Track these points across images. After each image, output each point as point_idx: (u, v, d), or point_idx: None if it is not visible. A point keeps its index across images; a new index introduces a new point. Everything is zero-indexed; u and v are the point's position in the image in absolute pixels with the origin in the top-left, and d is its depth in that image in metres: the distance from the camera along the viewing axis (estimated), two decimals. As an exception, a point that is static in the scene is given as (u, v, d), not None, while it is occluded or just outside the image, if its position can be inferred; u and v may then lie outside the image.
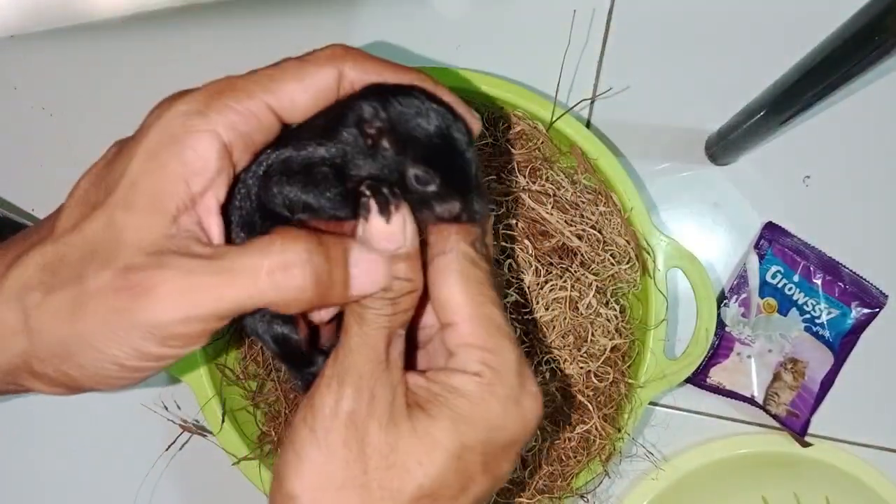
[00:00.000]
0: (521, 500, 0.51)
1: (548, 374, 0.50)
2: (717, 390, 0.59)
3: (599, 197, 0.52)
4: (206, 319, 0.28)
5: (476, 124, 0.34)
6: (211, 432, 0.51)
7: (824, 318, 0.59)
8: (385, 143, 0.31)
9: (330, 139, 0.31)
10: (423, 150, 0.31)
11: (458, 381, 0.31)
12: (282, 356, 0.35)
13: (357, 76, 0.32)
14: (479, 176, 0.32)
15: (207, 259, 0.29)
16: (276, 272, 0.28)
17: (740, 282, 0.59)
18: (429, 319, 0.35)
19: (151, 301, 0.28)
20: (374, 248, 0.30)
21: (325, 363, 0.32)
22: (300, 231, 0.30)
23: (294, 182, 0.31)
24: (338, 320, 0.35)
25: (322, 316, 0.35)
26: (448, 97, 0.34)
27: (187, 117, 0.30)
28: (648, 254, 0.51)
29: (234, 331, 0.53)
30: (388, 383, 0.31)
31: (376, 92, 0.32)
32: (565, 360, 0.50)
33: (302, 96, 0.32)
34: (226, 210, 0.31)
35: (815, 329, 0.59)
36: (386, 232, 0.30)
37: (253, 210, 0.32)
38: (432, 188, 0.31)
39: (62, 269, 0.30)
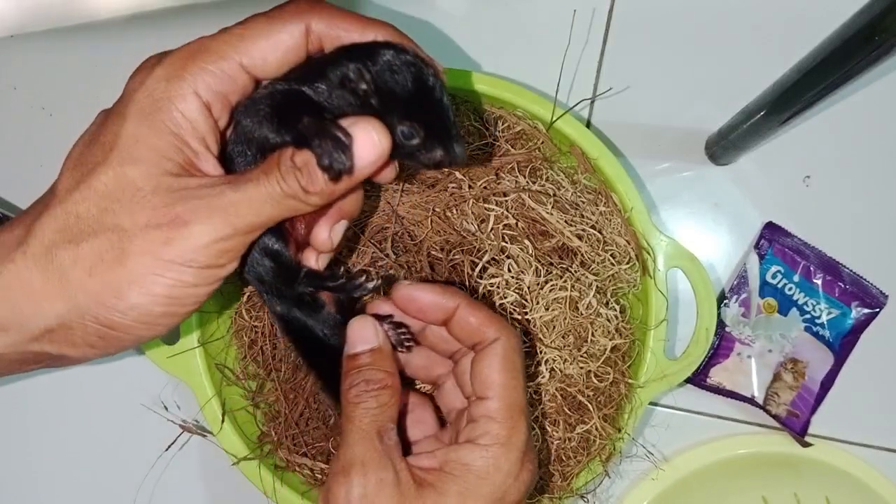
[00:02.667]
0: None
1: (548, 374, 0.50)
2: (718, 390, 0.59)
3: (599, 197, 0.52)
4: (240, 233, 0.32)
5: (440, 68, 0.36)
6: (211, 432, 0.51)
7: (824, 318, 0.59)
8: (373, 102, 0.34)
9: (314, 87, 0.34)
10: (405, 106, 0.34)
11: (468, 456, 0.35)
12: (273, 269, 0.38)
13: (324, 30, 0.34)
14: (456, 122, 0.36)
15: (227, 184, 0.32)
16: (287, 175, 0.32)
17: (740, 282, 0.59)
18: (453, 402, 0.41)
19: (193, 227, 0.31)
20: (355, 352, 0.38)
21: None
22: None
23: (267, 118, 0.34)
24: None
25: (302, 233, 0.38)
26: (412, 46, 0.35)
27: (168, 82, 0.32)
28: (648, 254, 0.51)
29: (233, 325, 0.53)
30: (390, 467, 0.34)
31: (354, 53, 0.34)
32: (565, 360, 0.50)
33: (273, 54, 0.33)
34: (223, 162, 0.35)
35: (815, 329, 0.59)
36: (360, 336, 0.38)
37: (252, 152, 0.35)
38: (416, 141, 0.35)
39: (81, 224, 0.31)
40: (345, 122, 0.32)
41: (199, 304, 0.34)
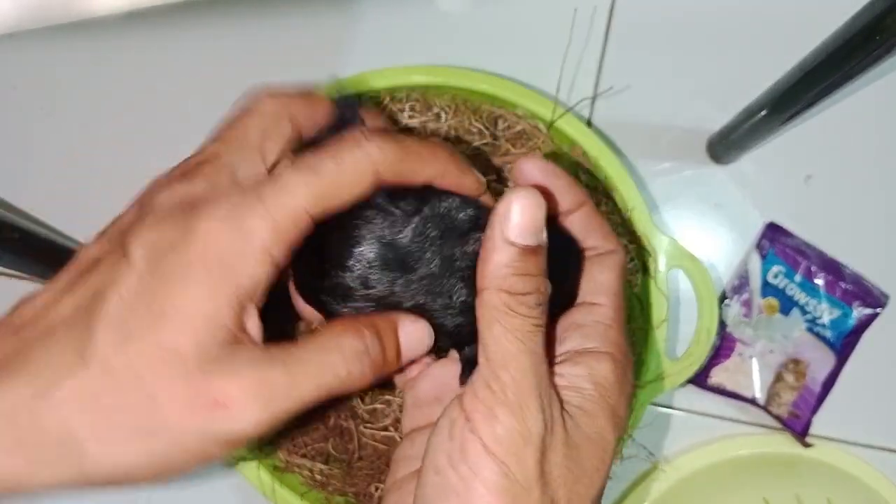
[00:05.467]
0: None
1: (548, 375, 0.50)
2: (719, 391, 0.59)
3: (600, 197, 0.52)
4: (277, 418, 0.29)
5: (475, 186, 0.35)
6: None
7: (826, 318, 0.59)
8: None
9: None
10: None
11: (600, 366, 0.32)
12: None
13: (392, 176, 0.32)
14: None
15: (269, 362, 0.29)
16: (339, 367, 0.30)
17: (742, 282, 0.59)
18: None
19: (233, 412, 0.28)
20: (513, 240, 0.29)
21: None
22: (353, 322, 0.31)
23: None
24: None
25: None
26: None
27: (244, 241, 0.28)
28: (649, 254, 0.51)
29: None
30: (554, 396, 0.31)
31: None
32: (565, 360, 0.50)
33: (340, 204, 0.31)
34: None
35: (816, 329, 0.59)
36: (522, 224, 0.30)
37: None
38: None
39: (109, 396, 0.28)
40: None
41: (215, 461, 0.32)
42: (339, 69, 0.63)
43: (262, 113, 0.34)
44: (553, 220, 0.36)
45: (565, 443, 0.30)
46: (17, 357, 0.28)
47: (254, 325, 0.30)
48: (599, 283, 0.34)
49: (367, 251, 0.31)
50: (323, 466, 0.51)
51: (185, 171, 0.32)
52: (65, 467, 0.28)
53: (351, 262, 0.31)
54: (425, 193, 0.32)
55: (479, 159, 0.51)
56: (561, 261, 0.33)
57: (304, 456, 0.51)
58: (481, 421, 0.29)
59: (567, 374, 0.32)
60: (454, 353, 0.37)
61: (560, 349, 0.34)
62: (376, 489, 0.50)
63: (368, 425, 0.51)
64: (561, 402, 0.31)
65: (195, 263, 0.28)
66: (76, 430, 0.28)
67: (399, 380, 0.40)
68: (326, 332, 0.31)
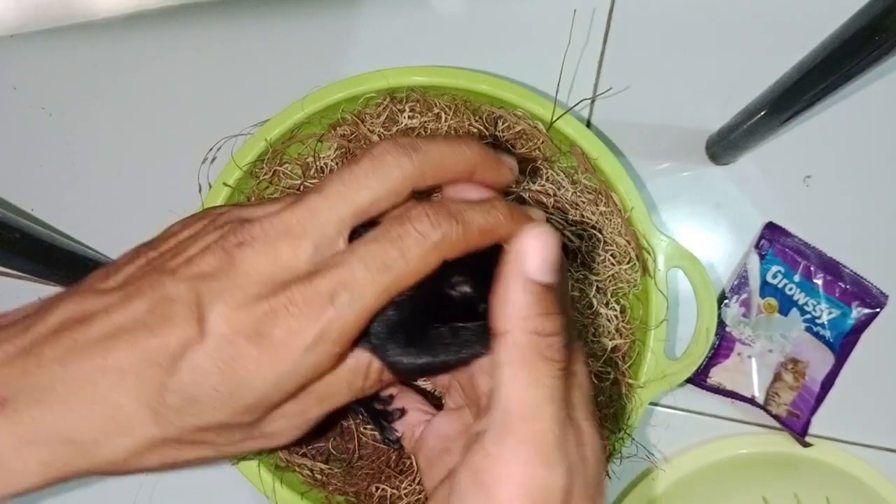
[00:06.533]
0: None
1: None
2: (718, 390, 0.59)
3: (600, 197, 0.52)
4: (305, 431, 0.33)
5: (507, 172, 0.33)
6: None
7: (825, 318, 0.59)
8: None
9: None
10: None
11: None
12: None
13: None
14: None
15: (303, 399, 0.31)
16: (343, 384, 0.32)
17: (741, 282, 0.59)
18: None
19: (274, 440, 0.32)
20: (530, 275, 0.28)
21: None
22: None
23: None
24: None
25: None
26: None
27: (321, 360, 0.29)
28: (649, 254, 0.51)
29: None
30: (571, 434, 0.29)
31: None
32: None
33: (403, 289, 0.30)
34: None
35: (815, 329, 0.59)
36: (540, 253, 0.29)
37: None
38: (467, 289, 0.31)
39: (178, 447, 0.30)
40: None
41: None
42: (340, 70, 0.63)
43: (383, 177, 0.30)
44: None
45: (584, 486, 0.29)
46: (85, 387, 0.29)
47: None
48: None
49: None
50: (323, 466, 0.51)
51: (279, 233, 0.30)
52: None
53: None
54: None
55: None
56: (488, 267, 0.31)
57: (304, 455, 0.51)
58: (497, 480, 0.27)
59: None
60: (451, 401, 0.38)
61: None
62: (377, 489, 0.50)
63: (369, 425, 0.51)
64: (577, 434, 0.29)
65: (264, 366, 0.28)
66: (153, 467, 0.30)
67: (408, 444, 0.41)
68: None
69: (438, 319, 0.31)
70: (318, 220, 0.29)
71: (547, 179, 0.52)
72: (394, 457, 0.50)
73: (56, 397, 0.28)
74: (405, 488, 0.49)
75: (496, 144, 0.52)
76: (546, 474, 0.27)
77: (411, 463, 0.50)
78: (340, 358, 0.30)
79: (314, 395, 0.31)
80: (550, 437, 0.27)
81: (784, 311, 0.59)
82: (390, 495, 0.50)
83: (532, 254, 0.28)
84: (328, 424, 0.52)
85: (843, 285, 0.59)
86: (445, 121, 0.52)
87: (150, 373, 0.28)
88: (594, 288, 0.50)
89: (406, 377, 0.34)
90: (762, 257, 0.59)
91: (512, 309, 0.28)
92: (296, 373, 0.28)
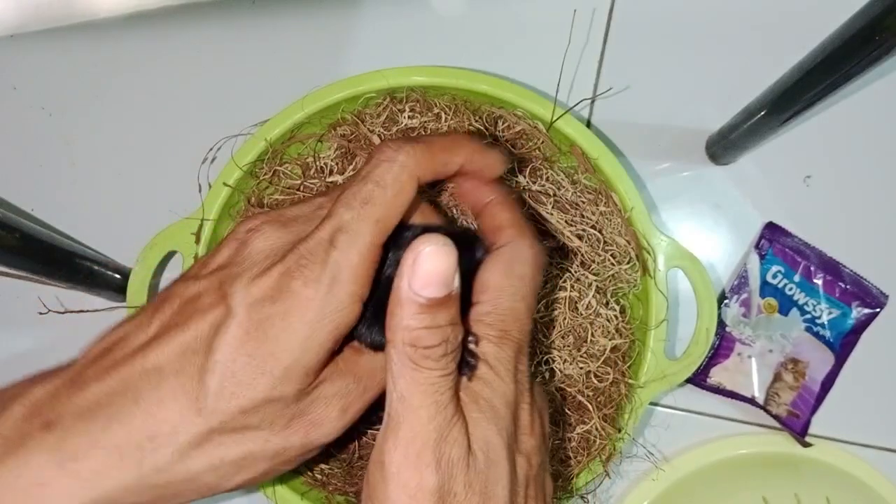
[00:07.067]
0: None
1: (548, 375, 0.50)
2: (718, 390, 0.59)
3: (600, 197, 0.52)
4: (353, 419, 0.34)
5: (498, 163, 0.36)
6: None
7: (825, 318, 0.59)
8: None
9: None
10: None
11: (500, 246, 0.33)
12: None
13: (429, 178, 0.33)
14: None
15: (345, 377, 0.33)
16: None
17: (741, 282, 0.59)
18: None
19: (323, 427, 0.33)
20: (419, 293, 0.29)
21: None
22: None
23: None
24: None
25: None
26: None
27: (344, 305, 0.30)
28: (649, 254, 0.51)
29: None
30: (458, 437, 0.30)
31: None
32: (565, 360, 0.50)
33: (395, 222, 0.32)
34: None
35: (815, 329, 0.59)
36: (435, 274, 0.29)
37: None
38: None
39: (225, 443, 0.31)
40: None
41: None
42: (340, 69, 0.63)
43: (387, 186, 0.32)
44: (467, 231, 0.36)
45: (467, 483, 0.29)
46: (126, 394, 0.30)
47: (342, 349, 0.33)
48: (480, 281, 0.33)
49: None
50: (324, 466, 0.51)
51: (285, 220, 0.34)
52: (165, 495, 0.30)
53: None
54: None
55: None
56: (468, 262, 0.33)
57: (304, 455, 0.51)
58: (384, 478, 0.29)
59: (463, 389, 0.31)
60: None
61: None
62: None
63: (369, 424, 0.51)
64: (468, 432, 0.30)
65: (292, 317, 0.30)
66: (200, 477, 0.30)
67: None
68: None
69: None
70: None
71: (547, 179, 0.52)
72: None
73: (100, 410, 0.29)
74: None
75: (496, 144, 0.52)
76: (422, 475, 0.29)
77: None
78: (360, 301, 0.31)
79: (352, 375, 0.33)
80: (424, 440, 0.29)
81: (784, 311, 0.59)
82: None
83: (420, 267, 0.28)
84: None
85: (843, 285, 0.59)
86: (445, 120, 0.52)
87: (188, 362, 0.29)
88: (594, 288, 0.50)
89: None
90: (762, 257, 0.59)
91: (394, 322, 0.29)
92: (322, 319, 0.30)
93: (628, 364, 0.51)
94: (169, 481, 0.30)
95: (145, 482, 0.29)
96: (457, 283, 0.29)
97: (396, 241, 0.33)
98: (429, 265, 0.28)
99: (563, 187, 0.52)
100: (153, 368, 0.29)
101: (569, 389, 0.50)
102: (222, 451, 0.30)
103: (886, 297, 0.59)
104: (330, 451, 0.52)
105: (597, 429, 0.50)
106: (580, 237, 0.51)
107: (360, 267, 0.30)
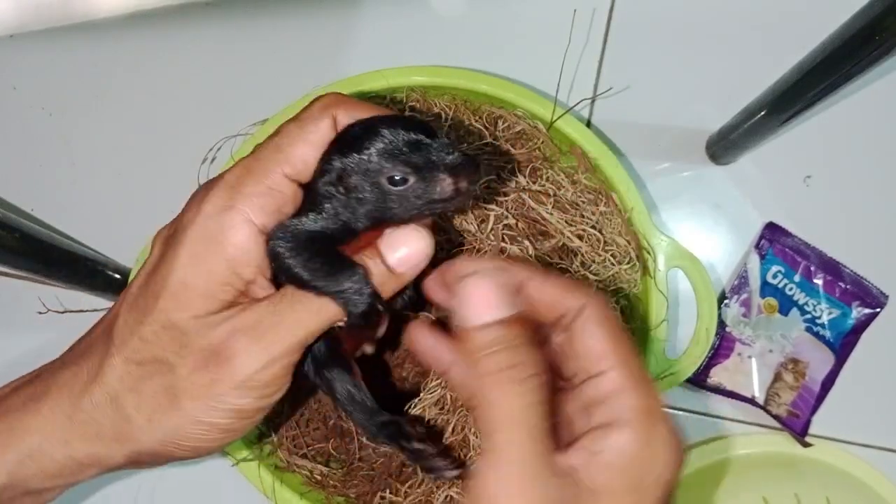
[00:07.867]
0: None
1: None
2: (718, 390, 0.59)
3: (600, 197, 0.52)
4: (283, 355, 0.33)
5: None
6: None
7: (825, 318, 0.59)
8: (353, 181, 0.33)
9: (318, 210, 0.34)
10: (385, 158, 0.33)
11: (613, 440, 0.28)
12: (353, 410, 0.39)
13: (347, 121, 0.35)
14: (449, 152, 0.33)
15: (263, 310, 0.33)
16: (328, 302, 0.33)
17: (741, 282, 0.59)
18: None
19: (235, 362, 0.32)
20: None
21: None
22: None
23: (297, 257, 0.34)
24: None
25: (368, 350, 0.41)
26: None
27: (219, 216, 0.33)
28: (649, 254, 0.51)
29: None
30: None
31: (331, 149, 0.34)
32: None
33: (312, 155, 0.34)
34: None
35: (815, 329, 0.59)
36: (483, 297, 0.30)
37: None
38: (412, 181, 0.33)
39: (139, 371, 0.33)
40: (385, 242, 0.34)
41: (259, 420, 0.35)
42: (340, 69, 0.63)
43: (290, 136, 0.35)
44: None
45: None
46: (77, 353, 0.35)
47: (261, 289, 0.34)
48: (589, 348, 0.30)
49: None
50: (323, 467, 0.51)
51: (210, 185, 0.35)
52: (124, 442, 0.34)
53: None
54: None
55: (479, 159, 0.51)
56: None
57: (304, 456, 0.51)
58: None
59: (578, 457, 0.29)
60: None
61: (574, 432, 0.31)
62: (381, 498, 0.50)
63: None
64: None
65: (185, 249, 0.33)
66: (125, 408, 0.33)
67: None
68: None
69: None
70: None
71: (547, 179, 0.52)
72: (395, 462, 0.50)
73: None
74: (405, 492, 0.49)
75: (495, 144, 0.52)
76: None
77: (413, 469, 0.49)
78: None
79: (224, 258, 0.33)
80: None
81: (784, 311, 0.59)
82: (389, 501, 0.49)
83: (471, 300, 0.30)
84: (327, 425, 0.52)
85: (843, 285, 0.59)
86: (445, 120, 0.52)
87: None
88: (594, 288, 0.50)
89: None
90: (762, 257, 0.59)
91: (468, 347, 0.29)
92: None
93: (628, 364, 0.51)
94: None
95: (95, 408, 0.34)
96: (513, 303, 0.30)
97: None
98: (479, 294, 0.30)
99: (564, 187, 0.52)
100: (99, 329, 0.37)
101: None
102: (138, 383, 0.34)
103: (886, 297, 0.59)
104: (330, 452, 0.52)
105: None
106: (580, 237, 0.51)
107: (262, 197, 0.33)
